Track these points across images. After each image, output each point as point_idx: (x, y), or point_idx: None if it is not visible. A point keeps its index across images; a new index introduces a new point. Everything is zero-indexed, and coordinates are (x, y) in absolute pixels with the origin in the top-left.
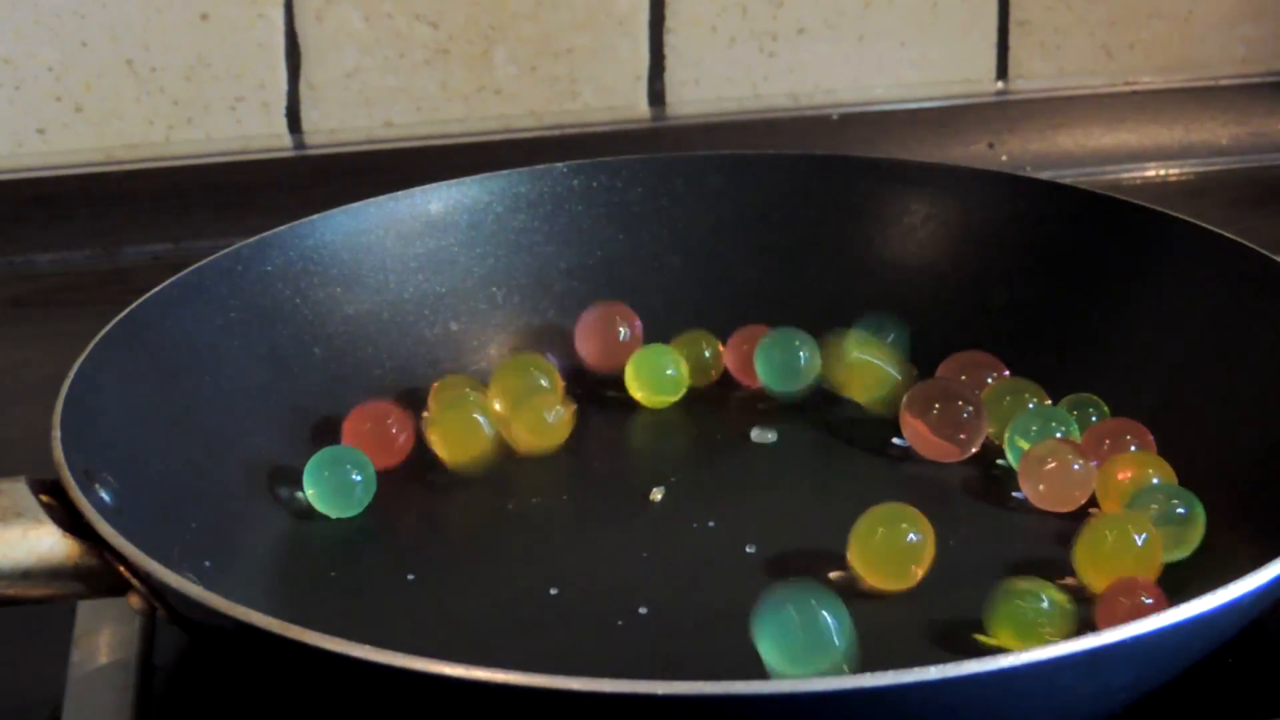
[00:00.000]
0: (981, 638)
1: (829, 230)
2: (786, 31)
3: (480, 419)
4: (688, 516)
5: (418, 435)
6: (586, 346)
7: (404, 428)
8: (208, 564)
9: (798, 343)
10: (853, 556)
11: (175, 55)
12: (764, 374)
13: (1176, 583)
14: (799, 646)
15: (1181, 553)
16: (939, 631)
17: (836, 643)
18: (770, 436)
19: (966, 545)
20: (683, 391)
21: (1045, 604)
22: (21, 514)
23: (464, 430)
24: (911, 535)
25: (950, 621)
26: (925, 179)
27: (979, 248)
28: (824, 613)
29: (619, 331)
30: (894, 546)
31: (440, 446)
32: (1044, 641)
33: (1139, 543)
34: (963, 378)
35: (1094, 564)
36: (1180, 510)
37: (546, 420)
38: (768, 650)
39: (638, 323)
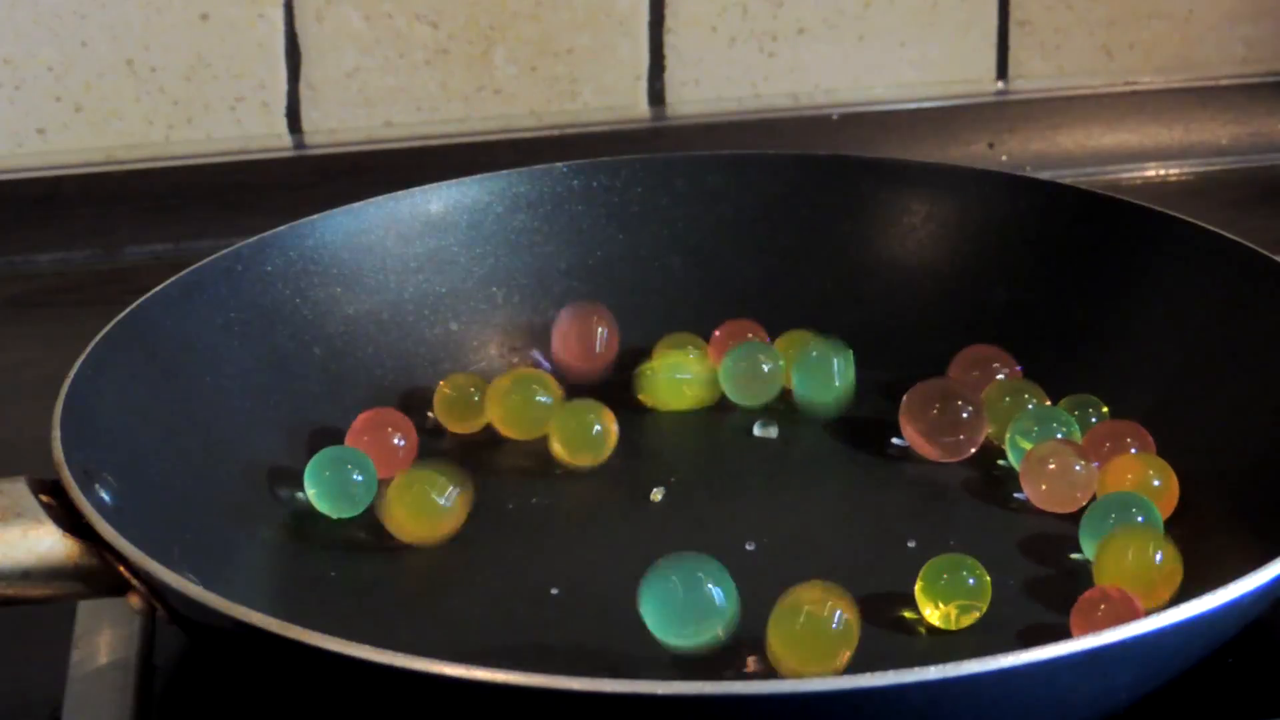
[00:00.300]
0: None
1: (829, 230)
2: (786, 31)
3: (440, 499)
4: (688, 516)
5: (420, 442)
6: (565, 353)
7: (409, 438)
8: (208, 564)
9: (833, 357)
10: (773, 641)
11: (175, 55)
12: (800, 386)
13: None
14: (681, 614)
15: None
16: (938, 631)
17: (720, 605)
18: (772, 431)
19: (967, 546)
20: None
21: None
22: (21, 514)
23: (422, 512)
24: (838, 617)
25: None
26: (925, 179)
27: (979, 248)
28: (709, 584)
29: (596, 336)
30: (819, 632)
31: (396, 526)
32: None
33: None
34: (974, 374)
35: (1116, 575)
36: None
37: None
38: (651, 617)
39: (614, 326)
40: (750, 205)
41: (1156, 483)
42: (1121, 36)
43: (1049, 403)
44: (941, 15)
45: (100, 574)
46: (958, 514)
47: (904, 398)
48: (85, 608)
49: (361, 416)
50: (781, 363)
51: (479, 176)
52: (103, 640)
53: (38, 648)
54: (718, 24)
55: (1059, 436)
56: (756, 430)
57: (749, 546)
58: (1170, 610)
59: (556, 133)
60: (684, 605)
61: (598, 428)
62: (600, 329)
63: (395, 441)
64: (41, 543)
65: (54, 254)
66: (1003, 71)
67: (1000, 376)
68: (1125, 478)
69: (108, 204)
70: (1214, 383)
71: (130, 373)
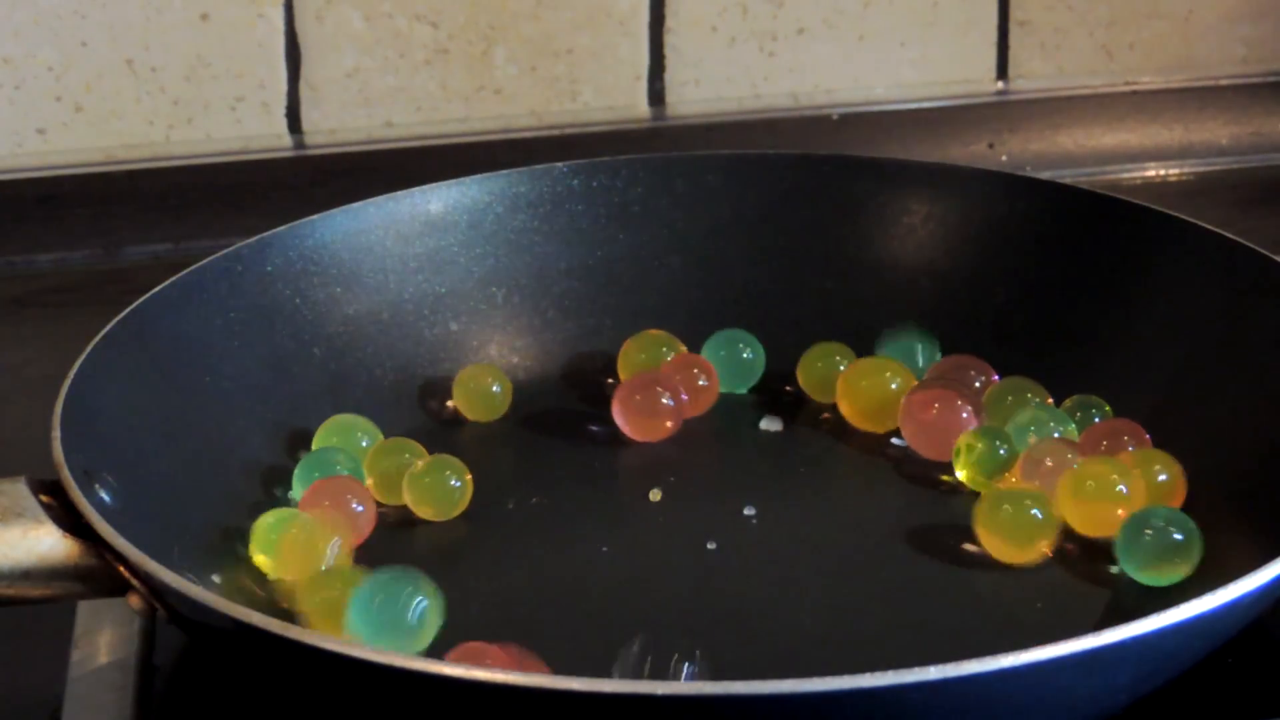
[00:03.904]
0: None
1: (829, 230)
2: (786, 31)
3: (329, 550)
4: (686, 516)
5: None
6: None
7: (367, 505)
8: (208, 564)
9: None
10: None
11: (175, 55)
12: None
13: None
14: (382, 627)
15: (1180, 574)
16: (939, 631)
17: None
18: (777, 425)
19: (966, 545)
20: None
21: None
22: (21, 514)
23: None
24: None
25: (951, 621)
26: (925, 179)
27: (979, 248)
28: (415, 599)
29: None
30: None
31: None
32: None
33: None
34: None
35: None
36: (1177, 536)
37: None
38: (359, 630)
39: (683, 395)
40: (750, 205)
41: (1164, 477)
42: (1121, 36)
43: (1050, 402)
44: (941, 15)
45: (100, 574)
46: (957, 514)
47: (904, 398)
48: (85, 608)
49: (316, 484)
50: (762, 350)
51: (479, 176)
52: (103, 640)
53: (38, 648)
54: (718, 24)
55: (1055, 435)
56: (763, 424)
57: (748, 548)
58: (1170, 610)
59: (556, 133)
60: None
61: (496, 388)
62: (665, 399)
63: (354, 508)
64: (41, 543)
65: (54, 254)
66: (1003, 71)
67: (977, 384)
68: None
69: (108, 204)
70: (1214, 383)
71: (130, 373)
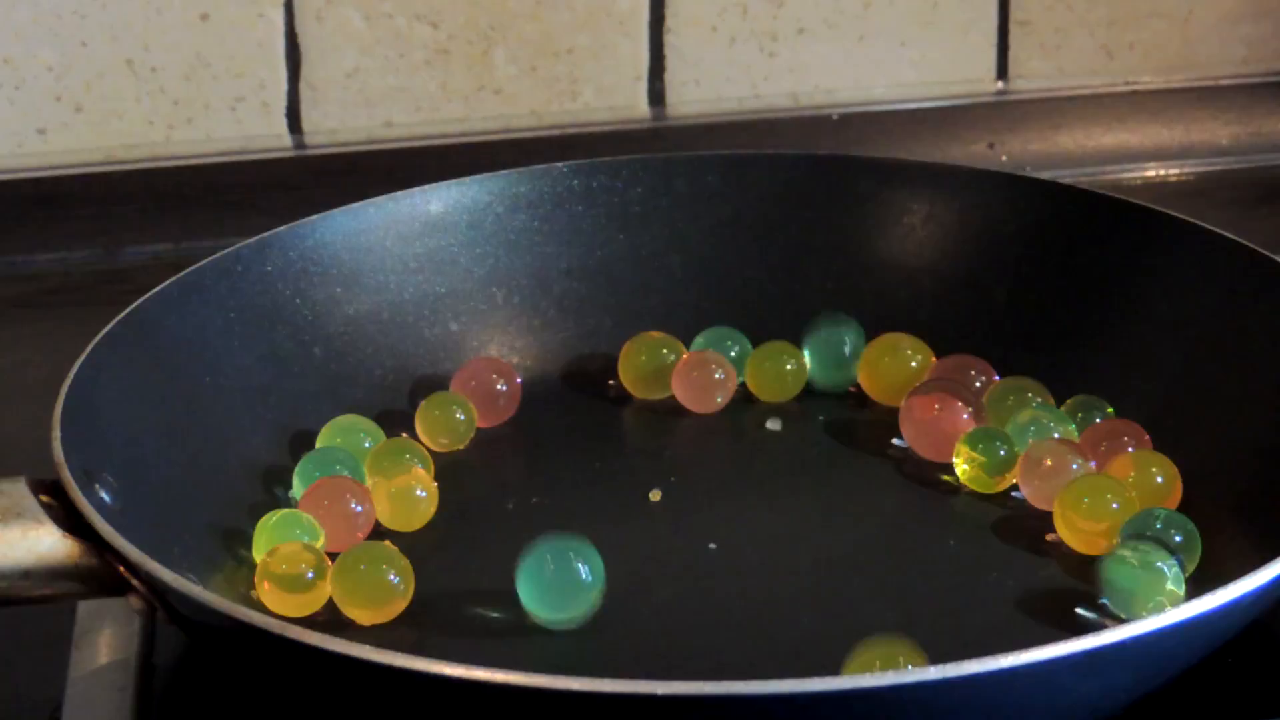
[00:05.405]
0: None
1: (829, 230)
2: (786, 31)
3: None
4: (688, 516)
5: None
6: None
7: (365, 504)
8: (208, 564)
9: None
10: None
11: (175, 55)
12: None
13: None
14: (553, 589)
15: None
16: (938, 630)
17: (588, 580)
18: (777, 425)
19: (966, 545)
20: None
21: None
22: (21, 514)
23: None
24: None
25: (951, 621)
26: (925, 179)
27: (979, 248)
28: (578, 562)
29: (497, 388)
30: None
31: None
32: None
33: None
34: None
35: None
36: (1177, 538)
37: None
38: (525, 593)
39: (516, 380)
40: (750, 205)
41: (1159, 479)
42: (1121, 36)
43: (1052, 402)
44: (941, 15)
45: (100, 574)
46: (957, 514)
47: (904, 399)
48: (85, 608)
49: (316, 484)
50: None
51: (479, 176)
52: (103, 640)
53: (38, 648)
54: (718, 24)
55: (1055, 436)
56: (768, 425)
57: (748, 548)
58: (1170, 610)
59: (556, 133)
60: (555, 582)
61: (461, 415)
62: (501, 384)
63: (354, 508)
64: (41, 543)
65: (54, 254)
66: (1003, 71)
67: (978, 385)
68: (1128, 475)
69: (108, 204)
70: (1214, 383)
71: (130, 373)
